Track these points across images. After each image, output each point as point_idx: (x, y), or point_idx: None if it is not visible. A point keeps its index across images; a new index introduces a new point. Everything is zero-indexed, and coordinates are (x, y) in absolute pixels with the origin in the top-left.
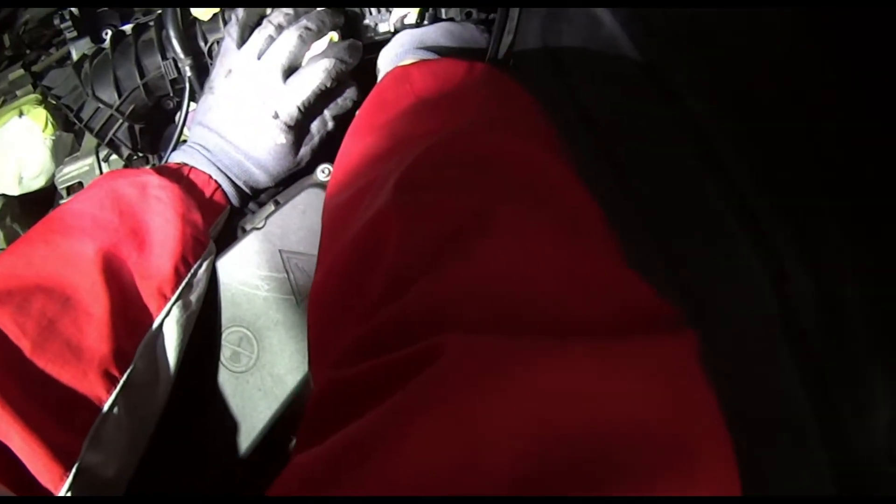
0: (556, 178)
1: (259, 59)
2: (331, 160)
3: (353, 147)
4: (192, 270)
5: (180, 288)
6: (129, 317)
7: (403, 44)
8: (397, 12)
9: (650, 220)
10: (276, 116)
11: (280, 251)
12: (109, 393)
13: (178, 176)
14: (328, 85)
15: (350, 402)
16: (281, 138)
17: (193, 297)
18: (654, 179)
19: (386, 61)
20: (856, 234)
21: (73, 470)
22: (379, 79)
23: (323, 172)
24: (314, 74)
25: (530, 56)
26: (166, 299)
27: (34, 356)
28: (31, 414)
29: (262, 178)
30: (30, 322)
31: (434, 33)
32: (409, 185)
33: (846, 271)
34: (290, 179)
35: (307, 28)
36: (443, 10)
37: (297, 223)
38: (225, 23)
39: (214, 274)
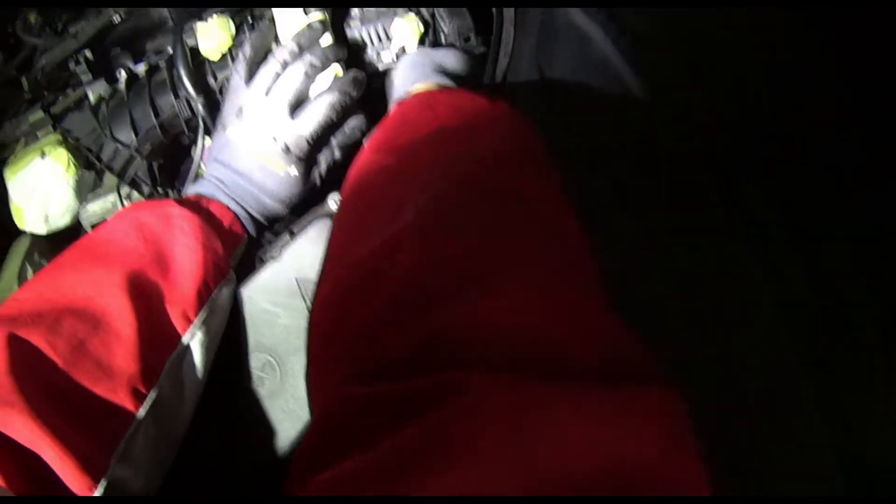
0: (561, 223)
1: (267, 95)
2: (340, 189)
3: (372, 162)
4: (213, 294)
5: (203, 311)
6: (156, 337)
7: (422, 64)
8: (397, 42)
9: (649, 235)
10: (287, 150)
11: (297, 280)
12: (137, 409)
13: (199, 207)
14: (334, 118)
15: (370, 422)
16: (293, 170)
17: (216, 322)
18: (653, 197)
19: (402, 80)
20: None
21: (103, 483)
22: (393, 96)
23: (334, 202)
24: (320, 109)
25: (525, 78)
26: (190, 321)
27: (65, 374)
28: (63, 429)
29: (276, 208)
30: (61, 342)
31: (450, 58)
32: (431, 217)
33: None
34: (303, 205)
35: (312, 64)
36: (442, 37)
37: (311, 253)
38: (233, 60)
39: (237, 302)
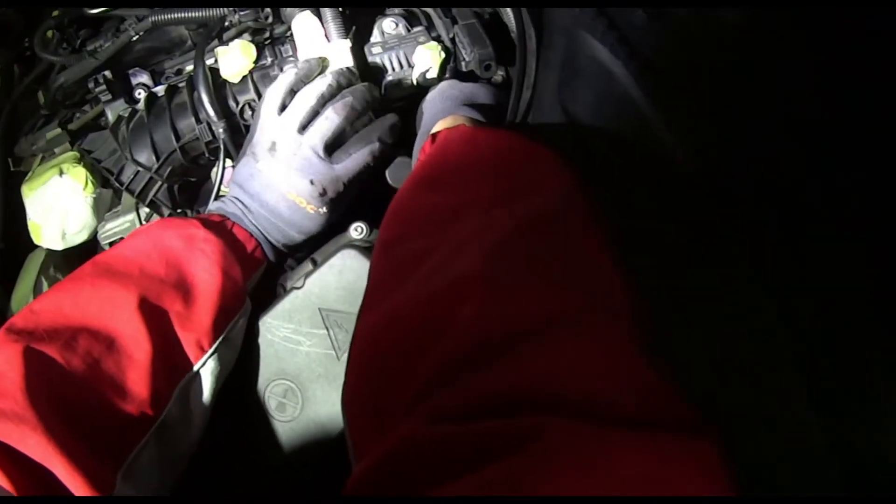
0: (608, 270)
1: (302, 132)
2: (361, 218)
3: (414, 199)
4: (229, 325)
5: (217, 342)
6: (168, 363)
7: (452, 97)
8: (419, 67)
9: (673, 277)
10: (324, 193)
11: (320, 309)
12: (146, 432)
13: (222, 230)
14: (372, 165)
15: (442, 463)
16: (323, 209)
17: (229, 352)
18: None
19: (433, 110)
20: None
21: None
22: (423, 127)
23: (356, 231)
24: (362, 158)
25: (548, 113)
26: (203, 351)
27: (78, 391)
28: (73, 446)
29: (299, 239)
30: (76, 359)
31: (479, 92)
32: (496, 265)
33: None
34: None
35: (353, 107)
36: (463, 65)
37: (334, 282)
38: (254, 84)
39: (259, 329)
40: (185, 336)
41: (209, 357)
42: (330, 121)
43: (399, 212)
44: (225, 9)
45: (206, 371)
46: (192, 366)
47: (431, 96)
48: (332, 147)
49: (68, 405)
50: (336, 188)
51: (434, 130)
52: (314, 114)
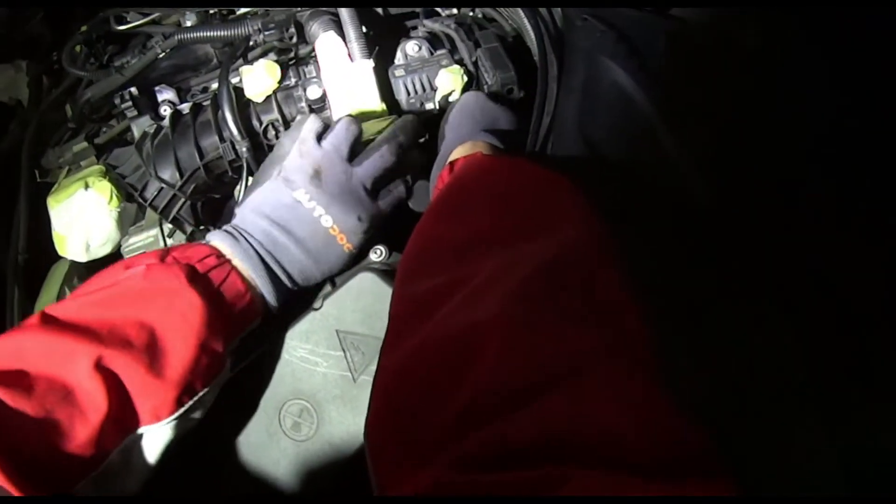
0: (629, 310)
1: (350, 162)
2: (381, 241)
3: (433, 230)
4: (196, 397)
5: (176, 415)
6: (119, 424)
7: (475, 120)
8: (441, 90)
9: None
10: (367, 231)
11: (337, 331)
12: (85, 476)
13: (210, 288)
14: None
15: None
16: (356, 248)
17: (191, 419)
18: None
19: (456, 130)
20: None
21: None
22: (446, 145)
23: (375, 254)
24: (400, 194)
25: (568, 139)
26: (158, 419)
27: (26, 436)
28: (11, 469)
29: (318, 279)
30: (31, 406)
31: (503, 116)
32: (520, 309)
33: None
34: None
35: (401, 145)
36: (485, 89)
37: (352, 305)
38: (278, 105)
39: (277, 348)
40: (142, 402)
41: (163, 425)
42: (384, 159)
43: (418, 244)
44: (250, 28)
45: (157, 436)
46: (141, 429)
47: (454, 116)
48: (378, 184)
49: (13, 443)
50: (375, 226)
51: (452, 158)
52: (367, 151)
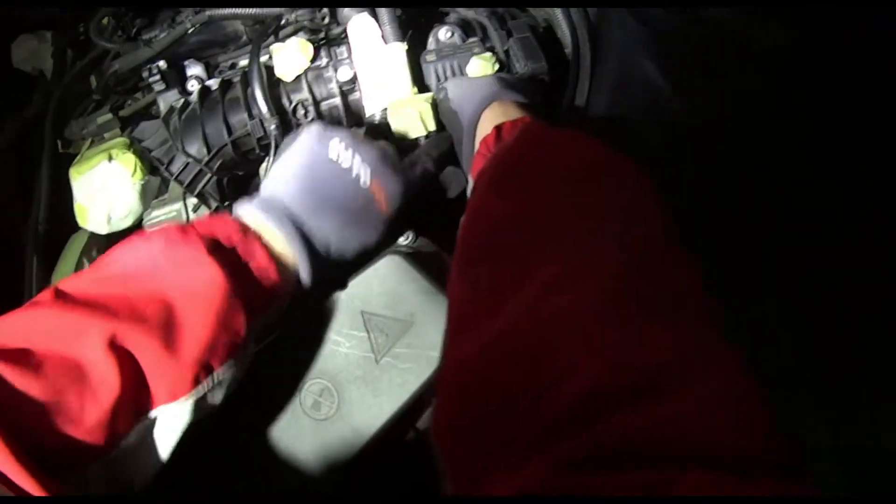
0: (711, 301)
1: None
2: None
3: (497, 206)
4: (214, 376)
5: (192, 394)
6: (132, 406)
7: (488, 82)
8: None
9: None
10: (403, 195)
11: (362, 312)
12: (95, 459)
13: (233, 263)
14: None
15: None
16: (393, 208)
17: (207, 401)
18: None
19: (476, 96)
20: None
21: None
22: (467, 113)
23: (405, 238)
24: (429, 169)
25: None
26: (174, 398)
27: (36, 421)
28: (20, 452)
29: (355, 247)
30: (39, 387)
31: (516, 83)
32: (614, 298)
33: None
34: None
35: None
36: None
37: (378, 287)
38: (308, 84)
39: (300, 327)
40: (157, 381)
41: (179, 405)
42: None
43: (479, 222)
44: (283, 7)
45: (173, 418)
46: (156, 411)
47: (460, 85)
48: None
49: (20, 424)
50: (409, 194)
51: (488, 121)
52: None
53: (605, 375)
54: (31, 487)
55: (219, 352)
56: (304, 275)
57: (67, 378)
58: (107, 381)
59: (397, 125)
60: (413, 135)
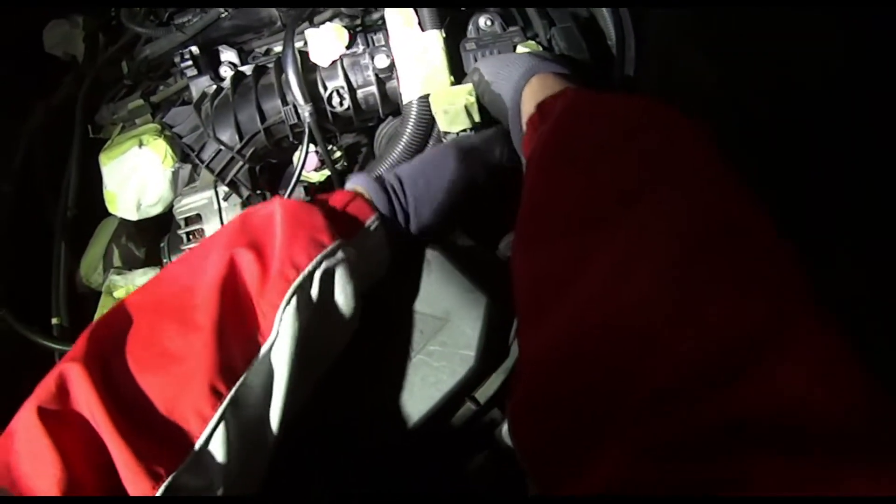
0: (798, 269)
1: None
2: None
3: (551, 184)
4: (305, 270)
5: (290, 292)
6: (240, 330)
7: (524, 58)
8: None
9: None
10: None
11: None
12: (215, 409)
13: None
14: None
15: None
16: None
17: (311, 294)
18: None
19: (513, 74)
20: None
21: (162, 488)
22: (512, 86)
23: None
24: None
25: None
26: (276, 307)
27: (136, 367)
28: (128, 428)
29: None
30: (140, 348)
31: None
32: (688, 274)
33: None
34: None
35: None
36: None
37: (414, 282)
38: (344, 71)
39: None
40: (260, 300)
41: (283, 309)
42: None
43: (535, 202)
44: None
45: (286, 324)
46: (271, 325)
47: (495, 63)
48: None
49: (126, 383)
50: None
51: (530, 99)
52: None
53: (688, 359)
54: None
55: (302, 250)
56: (379, 204)
57: (175, 324)
58: (206, 305)
59: (443, 117)
60: (458, 127)
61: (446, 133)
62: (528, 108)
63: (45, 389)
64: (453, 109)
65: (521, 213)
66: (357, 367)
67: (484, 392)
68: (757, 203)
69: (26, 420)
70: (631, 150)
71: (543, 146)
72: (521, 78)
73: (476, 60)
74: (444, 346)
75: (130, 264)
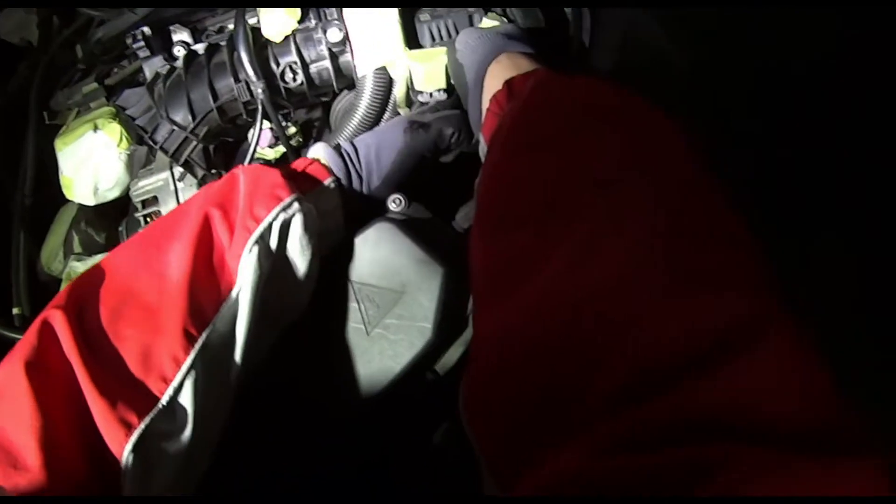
0: (762, 260)
1: None
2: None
3: (518, 165)
4: (265, 222)
5: (252, 240)
6: (211, 281)
7: (492, 36)
8: None
9: None
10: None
11: (351, 282)
12: (188, 352)
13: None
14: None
15: (629, 491)
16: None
17: (270, 244)
18: None
19: (480, 52)
20: None
21: (134, 437)
22: (476, 64)
23: (394, 203)
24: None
25: None
26: (238, 257)
27: (112, 317)
28: (102, 376)
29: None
30: (107, 307)
31: (515, 32)
32: (649, 262)
33: None
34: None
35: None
36: None
37: (368, 255)
38: (296, 46)
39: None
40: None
41: (252, 245)
42: None
43: (500, 184)
44: None
45: (248, 263)
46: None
47: (466, 39)
48: None
49: (101, 336)
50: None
51: (496, 76)
52: None
53: (659, 350)
54: None
55: (262, 200)
56: (336, 169)
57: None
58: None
59: (421, 73)
60: (434, 86)
61: (406, 104)
62: (492, 84)
63: (29, 339)
64: (432, 65)
65: (482, 192)
66: (314, 344)
67: (443, 364)
68: (728, 197)
69: (10, 370)
70: (603, 136)
71: (511, 126)
72: (489, 53)
73: (430, 32)
74: (401, 318)
75: (91, 250)
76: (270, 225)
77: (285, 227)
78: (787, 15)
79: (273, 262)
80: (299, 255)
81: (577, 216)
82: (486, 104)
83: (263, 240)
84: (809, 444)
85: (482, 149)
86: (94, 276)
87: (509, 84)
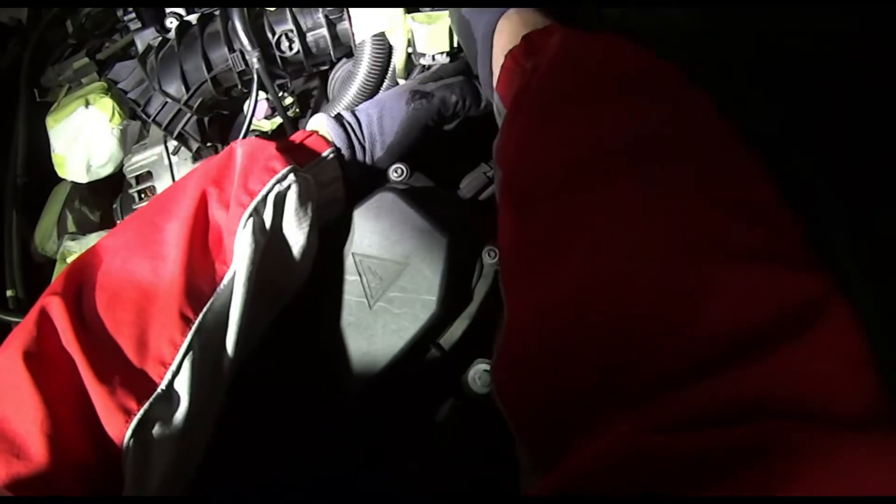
0: (801, 233)
1: None
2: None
3: (547, 132)
4: (259, 195)
5: (246, 215)
6: (207, 261)
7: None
8: None
9: None
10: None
11: (353, 254)
12: (184, 335)
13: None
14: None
15: (677, 472)
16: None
17: (265, 218)
18: None
19: (486, 12)
20: None
21: (134, 423)
22: (483, 21)
23: (396, 173)
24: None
25: None
26: (233, 234)
27: (110, 301)
28: (100, 361)
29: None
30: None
31: None
32: (708, 238)
33: None
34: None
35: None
36: None
37: (370, 227)
38: (292, 14)
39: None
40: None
41: (247, 219)
42: None
43: (533, 146)
44: None
45: (243, 239)
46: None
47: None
48: None
49: (97, 322)
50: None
51: (508, 32)
52: None
53: (722, 327)
54: None
55: (256, 173)
56: (337, 139)
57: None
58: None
59: (424, 36)
60: (437, 48)
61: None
62: (504, 40)
63: (28, 327)
64: (436, 27)
65: (510, 159)
66: (313, 322)
67: (448, 338)
68: (770, 177)
69: (9, 359)
70: (643, 101)
71: (542, 86)
72: (497, 8)
73: None
74: (405, 291)
75: (85, 229)
76: (265, 198)
77: (280, 200)
78: None
79: (269, 237)
80: (296, 227)
81: (620, 182)
82: (498, 60)
83: (258, 213)
84: (866, 426)
85: (498, 108)
86: (91, 261)
87: (527, 39)
